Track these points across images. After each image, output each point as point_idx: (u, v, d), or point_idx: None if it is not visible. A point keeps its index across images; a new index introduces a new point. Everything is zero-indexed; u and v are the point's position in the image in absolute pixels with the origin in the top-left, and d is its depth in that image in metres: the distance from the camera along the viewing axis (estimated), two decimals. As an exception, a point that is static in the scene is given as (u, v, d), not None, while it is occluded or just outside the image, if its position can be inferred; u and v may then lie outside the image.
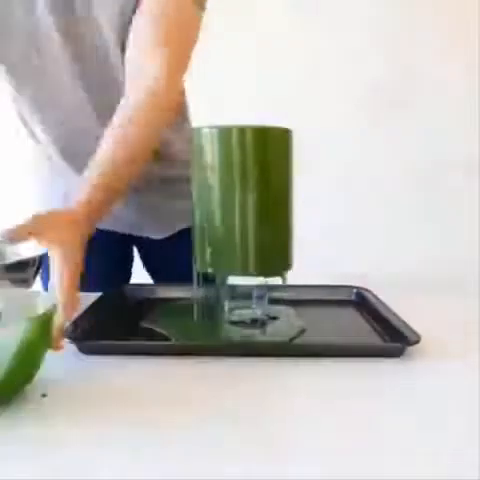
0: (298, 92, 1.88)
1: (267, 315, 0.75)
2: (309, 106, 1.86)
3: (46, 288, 0.96)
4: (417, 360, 0.62)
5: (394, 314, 0.72)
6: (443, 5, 1.88)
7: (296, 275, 0.75)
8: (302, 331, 0.71)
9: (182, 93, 0.92)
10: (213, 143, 0.68)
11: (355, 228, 1.95)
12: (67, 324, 0.61)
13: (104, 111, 0.84)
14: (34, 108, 0.90)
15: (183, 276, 0.79)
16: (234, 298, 0.76)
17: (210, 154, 0.68)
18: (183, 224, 0.99)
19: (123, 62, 0.82)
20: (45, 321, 0.51)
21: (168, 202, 1.00)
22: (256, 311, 0.76)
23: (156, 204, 1.00)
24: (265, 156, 0.68)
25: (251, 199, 0.68)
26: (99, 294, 0.81)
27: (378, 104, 1.92)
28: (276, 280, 0.76)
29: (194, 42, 0.79)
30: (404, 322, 0.69)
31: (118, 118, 0.73)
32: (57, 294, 0.58)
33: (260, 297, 0.76)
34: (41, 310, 0.53)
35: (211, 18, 0.84)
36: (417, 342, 0.63)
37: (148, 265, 1.10)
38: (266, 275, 0.73)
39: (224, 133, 0.68)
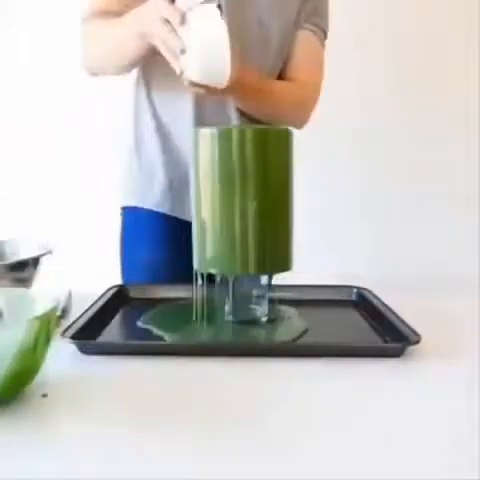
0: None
1: (267, 315, 0.75)
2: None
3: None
4: (417, 360, 0.62)
5: (394, 314, 0.72)
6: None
7: (296, 275, 0.75)
8: (305, 332, 0.71)
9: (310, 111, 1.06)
10: (213, 144, 0.68)
11: (355, 228, 1.95)
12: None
13: None
14: None
15: None
16: (234, 298, 0.76)
17: (210, 154, 0.68)
18: None
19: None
20: (45, 321, 0.51)
21: None
22: (256, 311, 0.76)
23: None
24: (265, 156, 0.68)
25: (251, 199, 0.68)
26: (99, 294, 0.81)
27: (378, 103, 1.92)
28: (276, 280, 0.76)
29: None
30: (404, 322, 0.69)
31: (275, 81, 1.00)
32: None
33: (260, 297, 0.76)
34: (41, 310, 0.53)
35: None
36: (417, 342, 0.63)
37: None
38: (266, 275, 0.73)
39: (224, 134, 0.68)
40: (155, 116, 1.00)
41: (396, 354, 0.63)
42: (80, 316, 0.71)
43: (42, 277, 0.85)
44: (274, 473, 0.42)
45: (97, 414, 0.50)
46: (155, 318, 0.75)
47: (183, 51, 0.74)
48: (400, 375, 0.59)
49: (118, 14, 0.88)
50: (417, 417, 0.50)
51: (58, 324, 0.67)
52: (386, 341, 0.68)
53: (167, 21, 0.75)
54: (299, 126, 1.02)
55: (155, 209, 1.01)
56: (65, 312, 0.75)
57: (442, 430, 0.48)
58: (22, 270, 0.79)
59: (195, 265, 0.73)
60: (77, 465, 0.43)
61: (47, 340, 0.53)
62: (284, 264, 0.73)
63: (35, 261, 0.81)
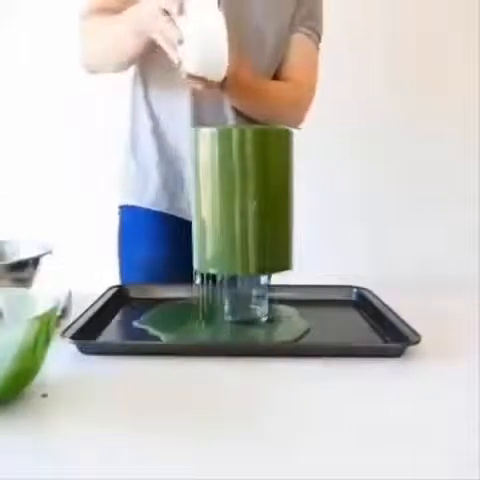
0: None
1: (267, 315, 0.75)
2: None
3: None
4: (417, 360, 0.62)
5: (394, 314, 0.72)
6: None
7: (296, 275, 0.75)
8: (306, 332, 0.71)
9: (305, 111, 1.06)
10: (213, 143, 0.68)
11: (355, 228, 1.95)
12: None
13: None
14: None
15: None
16: (234, 298, 0.76)
17: (210, 154, 0.68)
18: None
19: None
20: (45, 321, 0.51)
21: None
22: (256, 311, 0.76)
23: None
24: (265, 156, 0.68)
25: (251, 199, 0.68)
26: (99, 294, 0.81)
27: (377, 103, 1.92)
28: (276, 280, 0.76)
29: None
30: (404, 322, 0.69)
31: (270, 81, 1.01)
32: None
33: (260, 297, 0.76)
34: (41, 310, 0.53)
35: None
36: (417, 342, 0.63)
37: None
38: (266, 275, 0.73)
39: (224, 133, 0.68)
40: (152, 115, 1.00)
41: (396, 354, 0.63)
42: (80, 316, 0.71)
43: (42, 277, 0.85)
44: (274, 473, 0.42)
45: (97, 414, 0.50)
46: (154, 318, 0.75)
47: (181, 41, 0.74)
48: (400, 375, 0.59)
49: (116, 11, 0.88)
50: (417, 417, 0.50)
51: (58, 324, 0.67)
52: (386, 341, 0.68)
53: (165, 11, 0.75)
54: (294, 125, 1.01)
55: (152, 208, 1.01)
56: (65, 312, 0.75)
57: (442, 430, 0.48)
58: (22, 270, 0.79)
59: (195, 265, 0.73)
60: (77, 465, 0.43)
61: (47, 340, 0.53)
62: (284, 264, 0.73)
63: (35, 261, 0.81)
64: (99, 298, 0.80)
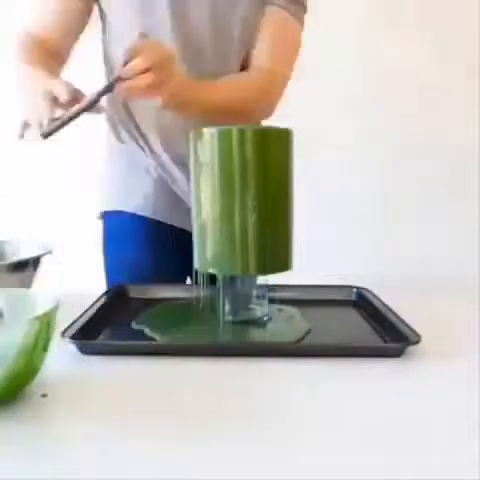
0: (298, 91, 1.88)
1: (268, 315, 0.75)
2: (309, 105, 1.85)
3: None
4: (417, 360, 0.62)
5: (394, 314, 0.72)
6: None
7: (296, 275, 0.75)
8: (307, 333, 0.71)
9: (279, 96, 0.99)
10: (213, 144, 0.68)
11: (355, 228, 1.95)
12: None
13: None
14: None
15: None
16: (234, 298, 0.76)
17: (210, 154, 0.68)
18: None
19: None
20: (45, 321, 0.51)
21: None
22: (256, 311, 0.76)
23: None
24: (265, 156, 0.68)
25: (251, 199, 0.68)
26: (99, 294, 0.81)
27: (377, 103, 1.92)
28: (276, 280, 0.76)
29: (297, 56, 0.98)
30: (404, 322, 0.69)
31: (237, 75, 0.94)
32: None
33: (260, 297, 0.76)
34: (41, 310, 0.53)
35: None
36: (417, 342, 0.63)
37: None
38: (266, 275, 0.73)
39: (224, 134, 0.68)
40: (130, 116, 0.99)
41: (396, 354, 0.63)
42: (80, 316, 0.71)
43: (42, 277, 0.85)
44: (274, 473, 0.42)
45: (97, 414, 0.50)
46: (150, 319, 0.75)
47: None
48: (400, 375, 0.59)
49: (56, 24, 0.88)
50: (417, 417, 0.50)
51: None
52: (386, 341, 0.68)
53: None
54: (263, 119, 0.99)
55: (138, 213, 0.99)
56: None
57: (442, 430, 0.48)
58: (22, 270, 0.79)
59: (195, 265, 0.73)
60: (77, 465, 0.43)
61: (47, 340, 0.53)
62: (284, 264, 0.73)
63: (35, 261, 0.81)
64: (99, 298, 0.80)
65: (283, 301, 0.81)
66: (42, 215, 1.76)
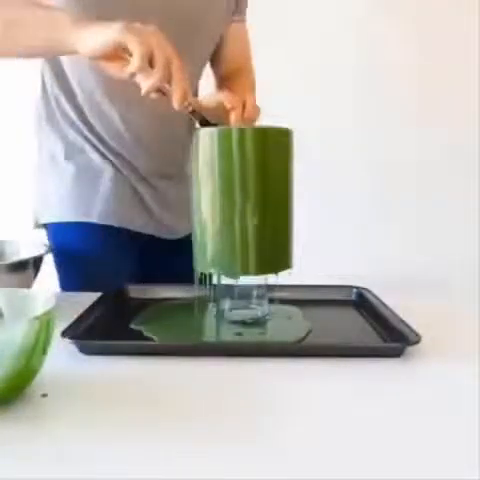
0: (298, 91, 1.88)
1: (268, 315, 0.75)
2: (309, 105, 1.86)
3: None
4: (417, 360, 0.62)
5: (394, 314, 0.72)
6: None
7: (296, 275, 0.75)
8: (308, 333, 0.71)
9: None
10: (213, 143, 0.68)
11: (355, 228, 1.95)
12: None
13: None
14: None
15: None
16: (234, 298, 0.76)
17: (210, 154, 0.68)
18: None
19: None
20: (45, 321, 0.51)
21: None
22: (256, 311, 0.76)
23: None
24: (265, 156, 0.68)
25: (251, 199, 0.68)
26: (100, 294, 0.81)
27: (376, 103, 1.92)
28: (276, 280, 0.76)
29: None
30: (404, 322, 0.69)
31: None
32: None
33: (260, 297, 0.76)
34: (41, 310, 0.53)
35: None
36: (417, 342, 0.63)
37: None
38: (266, 275, 0.73)
39: (224, 133, 0.68)
40: (83, 119, 0.94)
41: (396, 354, 0.63)
42: (80, 316, 0.71)
43: (42, 277, 0.85)
44: (274, 473, 0.42)
45: (97, 414, 0.50)
46: (152, 319, 0.75)
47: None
48: (400, 375, 0.59)
49: None
50: (417, 417, 0.50)
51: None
52: (386, 341, 0.68)
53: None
54: None
55: (100, 222, 0.94)
56: None
57: (442, 430, 0.48)
58: (22, 270, 0.79)
59: (195, 265, 0.73)
60: (77, 465, 0.43)
61: (47, 340, 0.53)
62: (284, 264, 0.73)
63: (35, 261, 0.81)
64: (99, 298, 0.80)
65: (283, 301, 0.81)
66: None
